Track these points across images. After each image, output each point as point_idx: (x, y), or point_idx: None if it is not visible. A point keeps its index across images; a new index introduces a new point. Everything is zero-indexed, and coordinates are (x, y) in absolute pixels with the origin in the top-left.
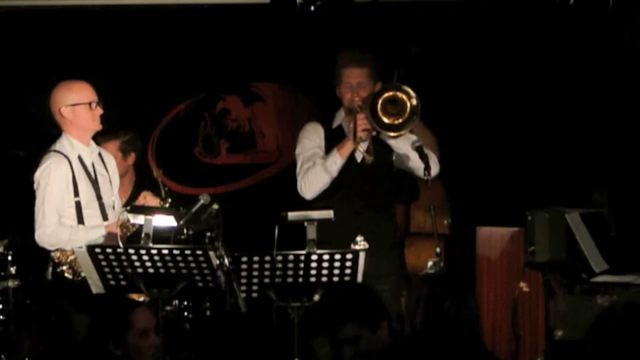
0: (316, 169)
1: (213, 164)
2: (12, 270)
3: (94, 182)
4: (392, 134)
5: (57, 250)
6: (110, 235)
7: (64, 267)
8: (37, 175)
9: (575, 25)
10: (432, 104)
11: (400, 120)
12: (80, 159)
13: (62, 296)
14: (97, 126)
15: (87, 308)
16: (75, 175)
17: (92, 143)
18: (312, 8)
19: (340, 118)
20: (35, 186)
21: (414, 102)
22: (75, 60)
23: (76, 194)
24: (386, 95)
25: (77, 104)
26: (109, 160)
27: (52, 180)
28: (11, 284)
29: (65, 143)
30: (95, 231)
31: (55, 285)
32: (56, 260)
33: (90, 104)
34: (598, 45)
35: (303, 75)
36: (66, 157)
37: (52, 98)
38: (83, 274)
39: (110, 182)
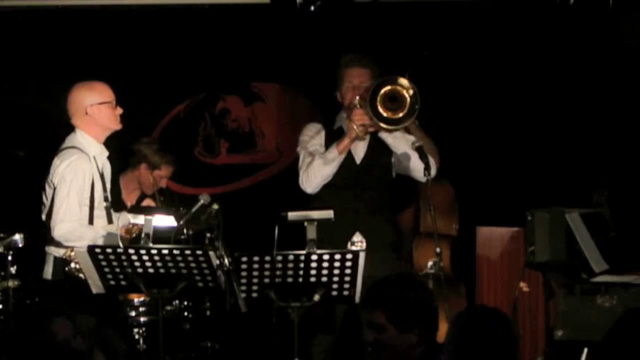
0: (317, 163)
1: (213, 164)
2: (12, 270)
3: (104, 184)
4: (391, 127)
5: (68, 247)
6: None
7: (78, 266)
8: (62, 169)
9: (575, 25)
10: (432, 104)
11: (400, 115)
12: (94, 158)
13: (70, 295)
14: (118, 125)
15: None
16: (93, 174)
17: (103, 146)
18: (312, 8)
19: (340, 120)
20: (56, 180)
21: (413, 95)
22: (75, 60)
23: (92, 193)
24: (385, 89)
25: (103, 103)
26: (107, 164)
27: (79, 176)
28: (11, 284)
29: (81, 140)
30: (113, 236)
31: (67, 283)
32: (66, 258)
33: (113, 102)
34: (598, 45)
35: (303, 76)
36: (87, 154)
37: (73, 96)
38: None
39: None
